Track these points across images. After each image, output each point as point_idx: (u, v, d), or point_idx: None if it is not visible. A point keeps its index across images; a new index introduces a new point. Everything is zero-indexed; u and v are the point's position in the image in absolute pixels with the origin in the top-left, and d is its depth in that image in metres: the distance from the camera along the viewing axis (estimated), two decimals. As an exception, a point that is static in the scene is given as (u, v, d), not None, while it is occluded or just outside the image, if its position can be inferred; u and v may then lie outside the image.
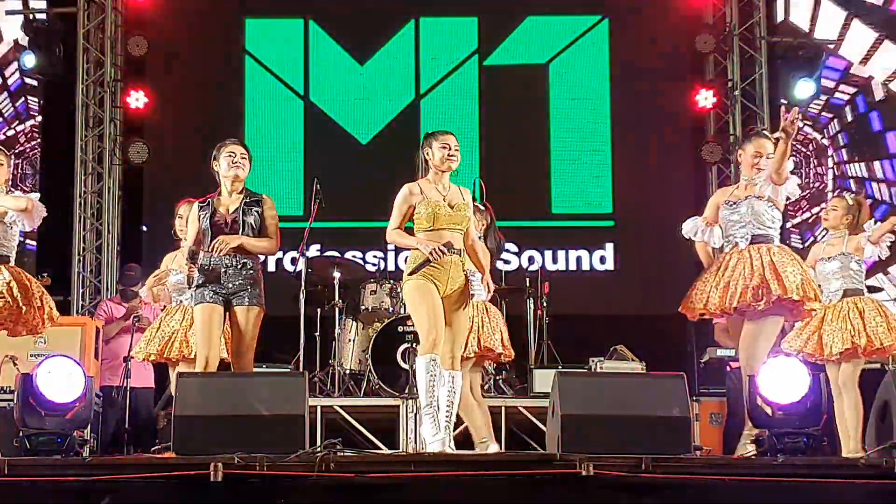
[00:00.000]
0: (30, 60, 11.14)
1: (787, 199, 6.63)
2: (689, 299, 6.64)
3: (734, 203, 6.59)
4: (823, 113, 12.12)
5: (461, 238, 6.40)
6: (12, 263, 6.71)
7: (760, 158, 6.58)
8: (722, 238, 6.70)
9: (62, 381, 5.60)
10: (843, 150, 12.13)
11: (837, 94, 12.11)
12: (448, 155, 6.40)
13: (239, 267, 6.63)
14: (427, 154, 6.46)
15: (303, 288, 9.28)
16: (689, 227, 6.85)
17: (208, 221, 6.66)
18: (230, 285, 6.60)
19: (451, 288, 6.29)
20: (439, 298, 6.26)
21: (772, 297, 6.30)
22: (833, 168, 12.13)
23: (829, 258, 7.20)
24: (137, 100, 11.48)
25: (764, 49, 11.82)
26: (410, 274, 6.28)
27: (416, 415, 8.32)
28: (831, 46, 11.82)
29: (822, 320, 6.99)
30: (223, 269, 6.59)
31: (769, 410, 5.72)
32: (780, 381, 5.71)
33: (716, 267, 6.56)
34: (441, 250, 6.20)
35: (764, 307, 6.34)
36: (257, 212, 6.72)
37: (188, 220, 6.89)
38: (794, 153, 6.88)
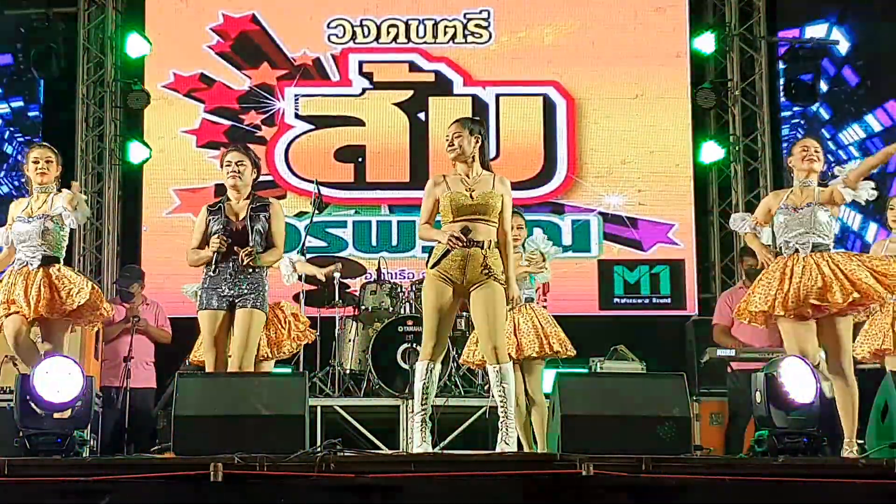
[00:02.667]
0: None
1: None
2: (747, 304, 6.48)
3: (795, 209, 6.52)
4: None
5: (489, 229, 6.15)
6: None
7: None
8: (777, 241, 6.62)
9: (60, 382, 5.58)
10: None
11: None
12: (448, 146, 6.27)
13: (247, 273, 6.66)
14: None
15: (303, 288, 9.28)
16: (739, 223, 6.82)
17: (221, 226, 6.68)
18: (237, 290, 6.64)
19: (470, 280, 6.08)
20: (451, 299, 6.12)
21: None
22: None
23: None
24: (137, 99, 11.46)
25: (764, 49, 11.82)
26: (432, 267, 6.15)
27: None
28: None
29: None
30: (231, 273, 6.63)
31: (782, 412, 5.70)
32: (795, 383, 5.71)
33: (779, 274, 6.39)
34: (457, 236, 6.05)
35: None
36: (265, 217, 6.73)
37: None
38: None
